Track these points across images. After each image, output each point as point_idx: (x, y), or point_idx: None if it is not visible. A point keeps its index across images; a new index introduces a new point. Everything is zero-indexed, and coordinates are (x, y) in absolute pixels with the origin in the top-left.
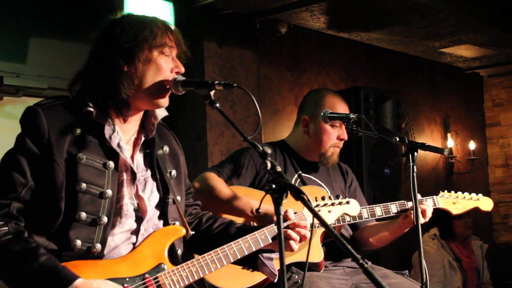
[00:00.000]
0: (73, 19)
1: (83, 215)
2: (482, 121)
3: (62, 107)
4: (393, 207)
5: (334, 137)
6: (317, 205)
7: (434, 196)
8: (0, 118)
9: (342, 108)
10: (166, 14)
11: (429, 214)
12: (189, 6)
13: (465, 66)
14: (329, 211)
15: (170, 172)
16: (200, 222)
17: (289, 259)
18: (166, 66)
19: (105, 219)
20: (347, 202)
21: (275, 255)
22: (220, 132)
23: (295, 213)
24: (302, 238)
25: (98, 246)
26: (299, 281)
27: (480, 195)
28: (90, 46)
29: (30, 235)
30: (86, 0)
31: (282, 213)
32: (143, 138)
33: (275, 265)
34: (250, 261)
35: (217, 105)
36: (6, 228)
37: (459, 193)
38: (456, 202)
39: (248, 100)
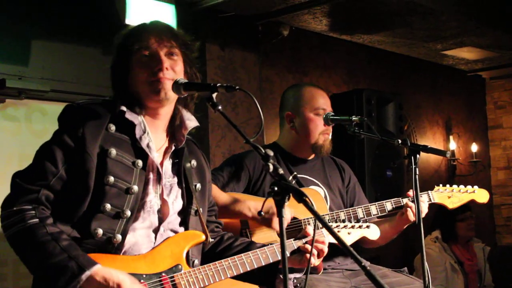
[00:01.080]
0: (76, 21)
1: (108, 206)
2: (485, 123)
3: (98, 106)
4: (388, 205)
5: (320, 124)
6: (337, 226)
7: (429, 191)
8: (3, 120)
9: (321, 96)
10: (168, 16)
11: (424, 210)
12: (191, 9)
13: (467, 69)
14: (348, 233)
15: (195, 185)
16: (222, 240)
17: None
18: (145, 69)
19: (128, 213)
20: (367, 227)
21: (293, 275)
22: (222, 134)
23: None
24: (320, 252)
25: (119, 237)
26: (298, 284)
27: (475, 187)
28: None
29: (55, 223)
30: (89, 3)
31: (285, 216)
32: (173, 148)
33: (292, 285)
34: (268, 279)
35: (219, 107)
36: (34, 212)
37: (454, 186)
38: (452, 196)
39: (250, 103)
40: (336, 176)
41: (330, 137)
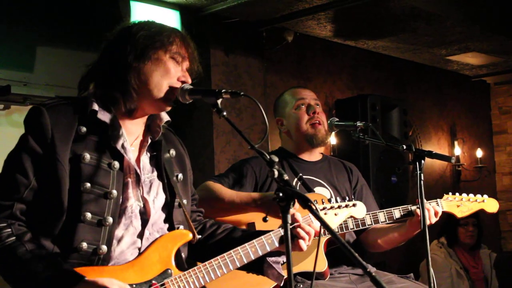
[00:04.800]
0: (80, 28)
1: (88, 215)
2: (489, 128)
3: (67, 107)
4: (396, 212)
5: (303, 115)
6: (323, 208)
7: (438, 200)
8: (8, 126)
9: (300, 91)
10: (173, 22)
11: (432, 215)
12: (196, 15)
13: (472, 74)
14: (335, 214)
15: (177, 176)
16: (204, 228)
17: (293, 269)
18: (174, 71)
19: (110, 219)
20: (354, 205)
21: (282, 259)
22: (227, 140)
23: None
24: (308, 235)
25: (104, 247)
26: None
27: (485, 196)
28: (103, 44)
29: (36, 238)
30: (93, 9)
31: (289, 221)
32: (149, 141)
33: (281, 268)
34: (256, 265)
35: (224, 113)
36: (10, 230)
37: (464, 195)
38: (461, 205)
39: (255, 108)
40: (343, 178)
41: (323, 126)
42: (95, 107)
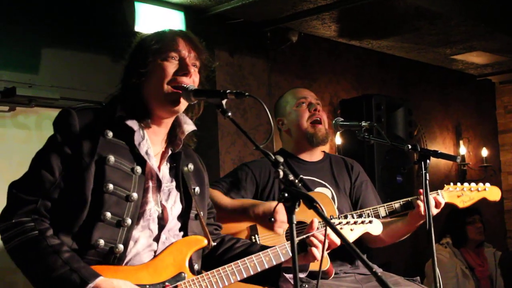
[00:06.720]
0: (85, 29)
1: (108, 215)
2: (495, 127)
3: (95, 111)
4: (397, 205)
5: (304, 112)
6: (339, 223)
7: (439, 190)
8: (13, 128)
9: (300, 90)
10: (177, 23)
11: (432, 205)
12: (200, 15)
13: (477, 73)
14: (351, 230)
15: (194, 189)
16: (223, 241)
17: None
18: (170, 70)
19: (129, 221)
20: (370, 222)
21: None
22: (232, 141)
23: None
24: (321, 243)
25: (121, 247)
26: None
27: (487, 184)
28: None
29: (56, 234)
30: (98, 10)
31: (295, 222)
32: (170, 152)
33: None
34: (272, 278)
35: (229, 114)
36: (33, 224)
37: (465, 184)
38: (462, 195)
39: (260, 109)
40: (344, 176)
41: (323, 125)
42: (123, 113)
